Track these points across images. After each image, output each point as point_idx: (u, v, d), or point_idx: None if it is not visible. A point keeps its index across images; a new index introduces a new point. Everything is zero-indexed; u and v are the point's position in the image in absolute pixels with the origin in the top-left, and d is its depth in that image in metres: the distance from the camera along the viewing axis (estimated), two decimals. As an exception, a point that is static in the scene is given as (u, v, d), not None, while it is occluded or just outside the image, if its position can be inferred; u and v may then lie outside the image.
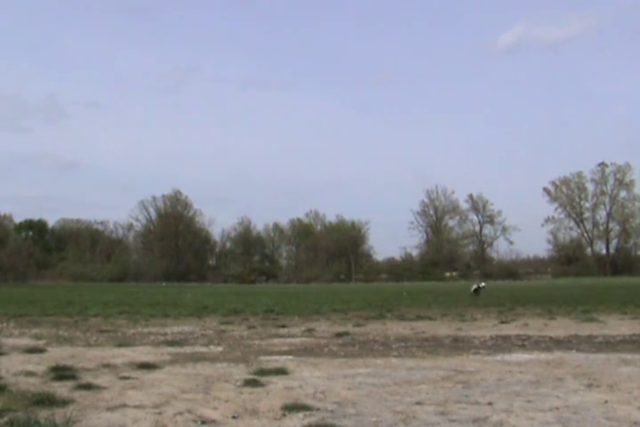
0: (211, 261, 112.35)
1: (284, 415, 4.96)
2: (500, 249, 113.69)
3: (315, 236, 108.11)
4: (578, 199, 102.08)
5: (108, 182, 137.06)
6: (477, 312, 17.28)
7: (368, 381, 6.52)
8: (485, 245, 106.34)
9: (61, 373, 6.91)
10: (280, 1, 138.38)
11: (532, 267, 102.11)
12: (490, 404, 5.30)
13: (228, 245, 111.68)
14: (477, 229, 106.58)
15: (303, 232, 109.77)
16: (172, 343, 10.23)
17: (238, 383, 6.38)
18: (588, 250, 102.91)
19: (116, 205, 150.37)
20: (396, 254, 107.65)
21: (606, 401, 5.35)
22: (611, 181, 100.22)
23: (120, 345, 9.93)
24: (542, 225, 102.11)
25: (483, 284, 31.50)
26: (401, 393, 5.85)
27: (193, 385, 6.33)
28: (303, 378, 6.72)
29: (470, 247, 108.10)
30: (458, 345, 9.87)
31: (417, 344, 9.99)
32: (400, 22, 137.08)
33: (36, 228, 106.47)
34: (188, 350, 9.48)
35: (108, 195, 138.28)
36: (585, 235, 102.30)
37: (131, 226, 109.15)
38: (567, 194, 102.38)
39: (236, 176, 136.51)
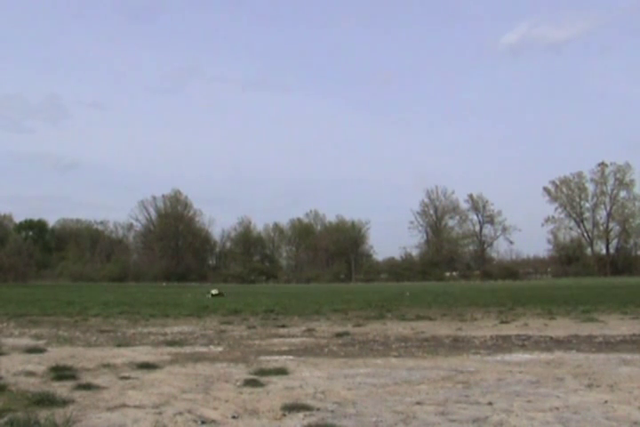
0: (211, 261, 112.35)
1: (284, 415, 4.96)
2: (500, 249, 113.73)
3: (315, 236, 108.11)
4: (578, 199, 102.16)
5: (108, 182, 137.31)
6: (477, 312, 17.28)
7: (368, 381, 6.52)
8: (485, 245, 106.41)
9: (61, 373, 6.91)
10: (281, 1, 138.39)
11: (532, 267, 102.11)
12: (490, 404, 5.30)
13: (228, 245, 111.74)
14: (477, 228, 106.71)
15: (303, 232, 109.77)
16: (172, 343, 10.23)
17: (238, 383, 6.38)
18: (588, 250, 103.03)
19: (116, 205, 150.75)
20: (396, 254, 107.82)
21: (606, 401, 5.35)
22: (611, 181, 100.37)
23: (120, 345, 9.93)
24: (542, 225, 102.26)
25: (215, 291, 34.63)
26: (401, 393, 5.85)
27: (193, 385, 6.33)
28: (303, 378, 6.72)
29: (470, 247, 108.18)
30: (458, 345, 9.87)
31: (417, 344, 9.99)
32: (401, 22, 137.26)
33: (36, 228, 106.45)
34: (188, 350, 9.48)
35: (108, 195, 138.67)
36: (585, 235, 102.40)
37: (131, 226, 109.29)
38: (567, 194, 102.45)
39: (235, 176, 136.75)
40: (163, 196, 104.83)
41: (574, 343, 9.89)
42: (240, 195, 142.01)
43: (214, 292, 34.15)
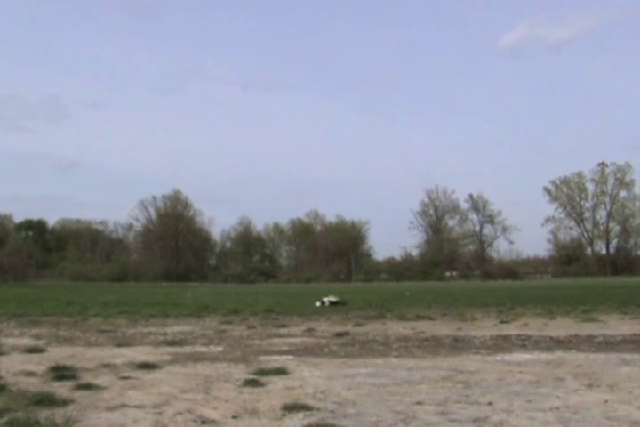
0: (211, 261, 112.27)
1: (284, 415, 4.96)
2: (500, 249, 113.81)
3: (315, 236, 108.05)
4: (578, 199, 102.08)
5: (108, 182, 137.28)
6: (477, 312, 17.27)
7: (368, 381, 6.52)
8: (485, 245, 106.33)
9: (61, 373, 6.91)
10: (281, 1, 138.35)
11: (532, 267, 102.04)
12: (490, 404, 5.30)
13: (228, 245, 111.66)
14: (477, 228, 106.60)
15: (303, 232, 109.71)
16: (172, 343, 10.23)
17: (238, 383, 6.38)
18: (588, 250, 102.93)
19: (116, 205, 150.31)
20: (396, 254, 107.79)
21: (606, 401, 5.35)
22: (611, 180, 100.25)
23: (120, 345, 9.93)
24: (542, 225, 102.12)
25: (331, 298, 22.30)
26: (401, 393, 5.85)
27: (193, 385, 6.33)
28: (303, 378, 6.72)
29: (470, 247, 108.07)
30: (458, 345, 9.87)
31: (417, 344, 9.99)
32: (401, 22, 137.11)
33: (36, 228, 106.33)
34: (187, 350, 9.48)
35: (108, 195, 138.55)
36: (585, 235, 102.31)
37: (131, 226, 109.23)
38: (567, 194, 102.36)
39: (236, 176, 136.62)
40: (163, 196, 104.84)
41: (574, 343, 9.89)
42: (240, 195, 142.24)
43: (331, 299, 21.82)
